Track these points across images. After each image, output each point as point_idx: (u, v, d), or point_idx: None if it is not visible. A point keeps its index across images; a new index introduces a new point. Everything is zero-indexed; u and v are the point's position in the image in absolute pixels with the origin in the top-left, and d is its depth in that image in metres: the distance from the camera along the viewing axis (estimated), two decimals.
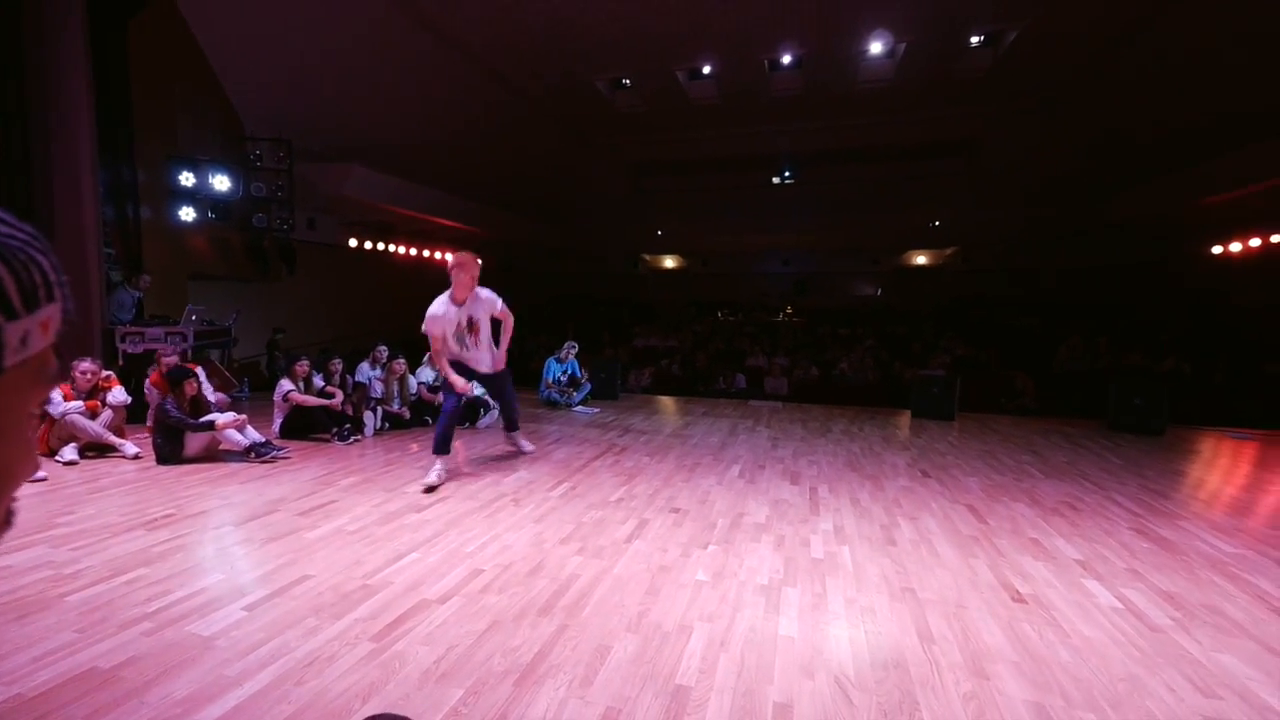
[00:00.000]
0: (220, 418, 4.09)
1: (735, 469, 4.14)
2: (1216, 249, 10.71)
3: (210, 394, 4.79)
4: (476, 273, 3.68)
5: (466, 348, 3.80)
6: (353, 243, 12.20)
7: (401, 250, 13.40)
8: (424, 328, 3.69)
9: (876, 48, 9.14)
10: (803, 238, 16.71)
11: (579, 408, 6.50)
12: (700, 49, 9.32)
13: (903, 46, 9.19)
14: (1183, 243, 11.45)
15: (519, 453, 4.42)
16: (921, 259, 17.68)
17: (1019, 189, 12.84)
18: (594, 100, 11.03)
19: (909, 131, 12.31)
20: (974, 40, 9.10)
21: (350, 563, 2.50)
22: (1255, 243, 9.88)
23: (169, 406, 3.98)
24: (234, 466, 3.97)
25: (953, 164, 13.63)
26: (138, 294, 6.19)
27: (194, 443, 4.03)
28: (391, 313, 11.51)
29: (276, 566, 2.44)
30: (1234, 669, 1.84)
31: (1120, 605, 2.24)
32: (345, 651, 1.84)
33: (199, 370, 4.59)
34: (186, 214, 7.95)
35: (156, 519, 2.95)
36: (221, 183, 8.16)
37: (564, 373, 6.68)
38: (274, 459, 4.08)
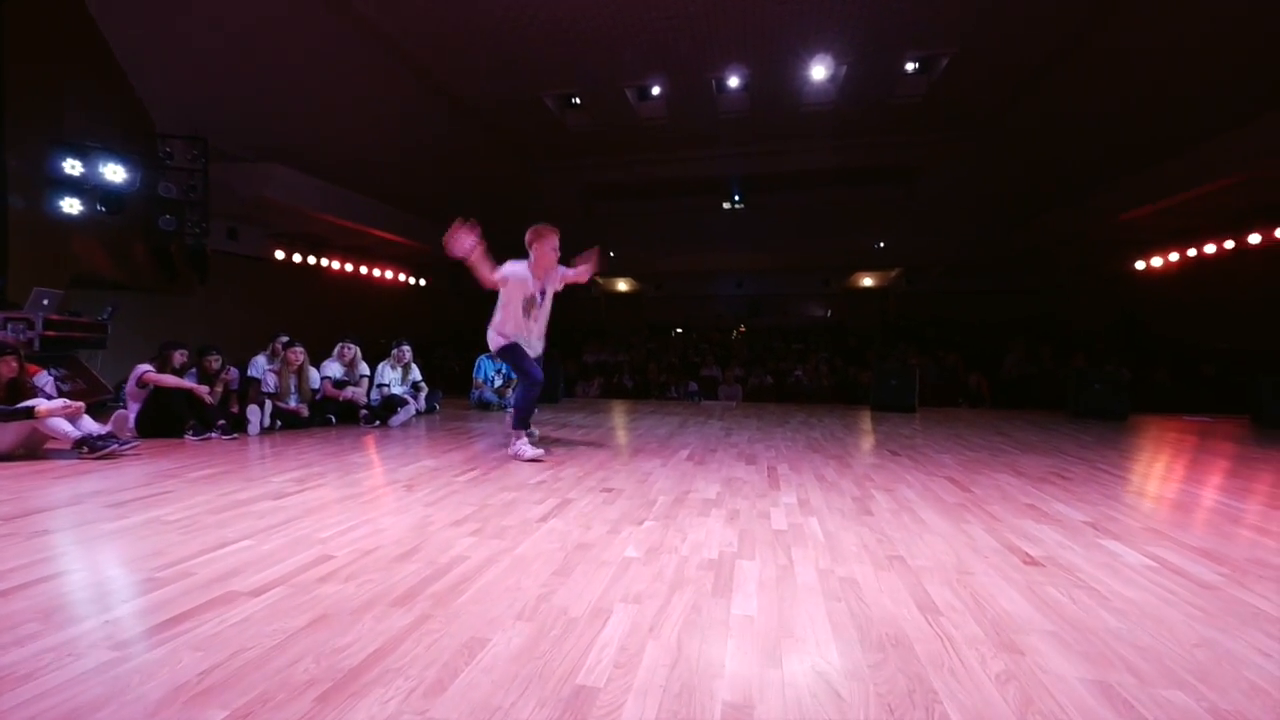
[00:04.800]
0: (44, 404, 3.26)
1: (683, 453, 3.59)
2: (1139, 264, 11.20)
3: (48, 387, 3.93)
4: (557, 244, 3.49)
5: (533, 320, 3.57)
6: (279, 255, 11.22)
7: (336, 265, 12.44)
8: (499, 274, 3.39)
9: (819, 71, 9.22)
10: (754, 258, 16.73)
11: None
12: (649, 67, 9.18)
13: (843, 70, 9.30)
14: (1108, 261, 11.92)
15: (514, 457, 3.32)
16: (868, 280, 17.96)
17: (954, 214, 13.25)
18: (544, 118, 10.71)
19: (852, 155, 12.52)
20: (909, 66, 9.30)
21: (145, 554, 1.80)
22: (1174, 257, 10.34)
23: None
24: (57, 463, 3.14)
25: (894, 189, 14.03)
26: None
27: (5, 435, 3.18)
28: (325, 335, 10.46)
29: (21, 565, 1.71)
30: None
31: (1154, 564, 1.79)
32: (58, 665, 1.17)
33: (18, 361, 3.75)
34: (70, 205, 6.99)
35: None
36: (115, 172, 7.21)
37: (497, 370, 6.03)
38: (112, 454, 3.26)
